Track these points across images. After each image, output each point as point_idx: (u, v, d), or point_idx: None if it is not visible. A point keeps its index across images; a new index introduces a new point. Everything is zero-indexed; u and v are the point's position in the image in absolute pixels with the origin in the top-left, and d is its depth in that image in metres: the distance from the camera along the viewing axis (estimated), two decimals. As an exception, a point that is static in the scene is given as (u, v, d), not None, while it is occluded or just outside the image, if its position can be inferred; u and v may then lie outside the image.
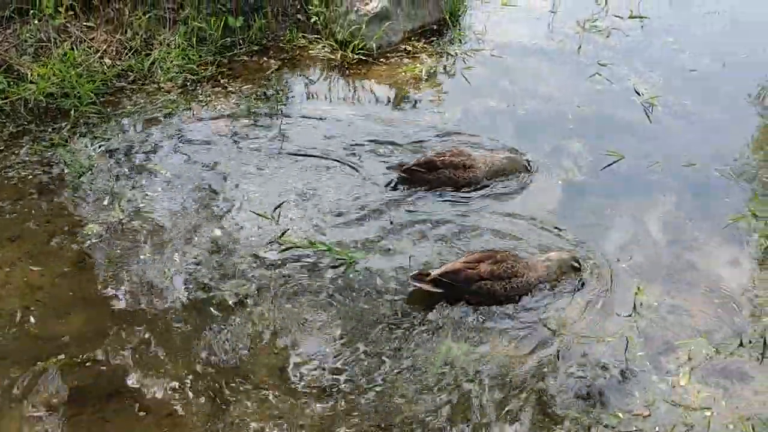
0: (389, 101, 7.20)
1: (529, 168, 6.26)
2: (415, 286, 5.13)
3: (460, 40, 8.11)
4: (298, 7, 8.24)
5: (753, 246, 5.62)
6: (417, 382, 4.57)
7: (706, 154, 6.54)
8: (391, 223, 5.74)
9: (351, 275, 5.29)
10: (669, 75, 7.65)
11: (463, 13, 8.55)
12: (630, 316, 5.05)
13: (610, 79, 7.52)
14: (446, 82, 7.51)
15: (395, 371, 4.64)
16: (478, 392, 4.52)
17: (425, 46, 8.05)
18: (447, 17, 8.27)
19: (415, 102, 7.19)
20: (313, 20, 8.03)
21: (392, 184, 6.15)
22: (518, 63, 7.82)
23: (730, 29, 8.51)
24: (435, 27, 8.33)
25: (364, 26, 7.71)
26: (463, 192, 6.08)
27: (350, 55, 7.68)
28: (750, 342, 4.85)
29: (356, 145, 6.55)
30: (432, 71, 7.60)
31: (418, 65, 7.67)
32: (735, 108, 7.20)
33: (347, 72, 7.60)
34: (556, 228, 5.73)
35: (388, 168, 6.21)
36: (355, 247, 5.51)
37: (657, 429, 4.39)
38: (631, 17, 8.65)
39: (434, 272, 5.09)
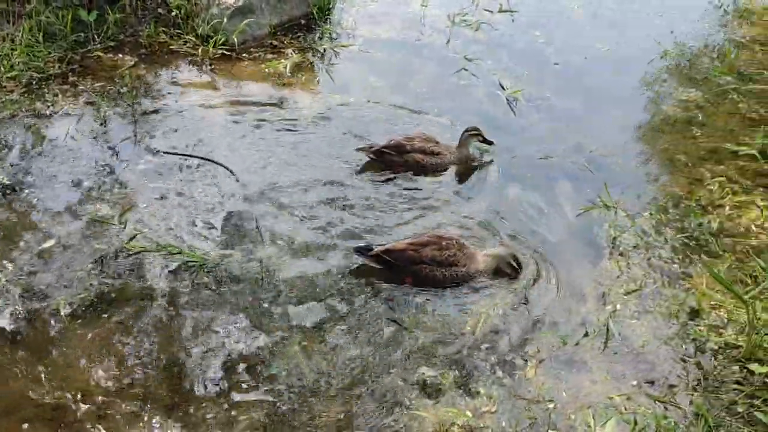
0: (251, 97, 6.98)
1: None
2: (357, 258, 5.18)
3: (329, 35, 7.96)
4: (159, 0, 7.87)
5: (602, 236, 5.74)
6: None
7: (565, 146, 6.66)
8: (257, 228, 5.55)
9: (204, 278, 5.08)
10: (534, 68, 7.77)
11: (333, 6, 8.41)
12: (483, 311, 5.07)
13: (476, 74, 7.56)
14: (310, 78, 7.35)
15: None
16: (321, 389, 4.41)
17: (292, 41, 7.86)
18: (314, 12, 8.10)
19: (280, 100, 6.99)
20: (173, 14, 7.70)
21: (360, 168, 6.17)
22: (386, 58, 7.75)
23: (595, 24, 8.73)
24: (303, 21, 8.15)
25: (226, 20, 7.44)
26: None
27: (212, 50, 7.41)
28: (594, 332, 4.95)
29: (216, 143, 6.34)
30: (296, 67, 7.42)
31: (282, 61, 7.48)
32: (593, 100, 7.38)
33: (209, 68, 7.33)
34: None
35: (357, 149, 6.18)
36: (209, 250, 5.29)
37: (503, 424, 4.40)
38: (500, 11, 8.76)
39: (377, 248, 5.15)
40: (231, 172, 6.06)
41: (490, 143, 6.42)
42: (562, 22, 8.69)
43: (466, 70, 7.61)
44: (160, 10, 7.81)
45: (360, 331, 4.83)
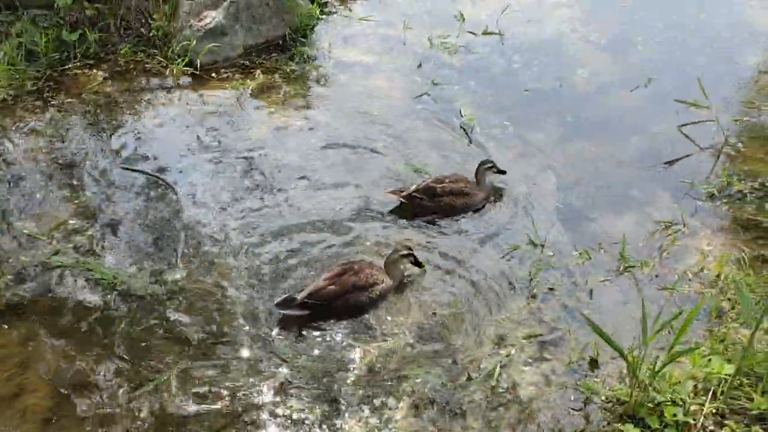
0: (207, 115, 7.16)
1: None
2: (282, 313, 5.15)
3: (301, 57, 8.03)
4: (143, 20, 8.17)
5: (521, 276, 5.58)
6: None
7: (508, 178, 6.50)
8: (176, 251, 5.72)
9: (113, 297, 5.29)
10: (501, 95, 7.60)
11: (311, 28, 8.46)
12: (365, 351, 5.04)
13: (437, 99, 7.47)
14: (270, 99, 7.43)
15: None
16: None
17: (263, 62, 7.99)
18: (287, 33, 8.19)
19: (230, 121, 7.12)
20: (151, 34, 7.99)
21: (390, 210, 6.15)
22: (353, 81, 7.75)
23: (584, 49, 8.41)
24: (280, 42, 8.26)
25: (196, 42, 7.66)
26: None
27: (179, 69, 7.62)
28: (479, 377, 4.81)
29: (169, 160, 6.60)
30: (259, 88, 7.55)
31: (248, 81, 7.62)
32: (551, 129, 7.15)
33: (174, 87, 7.54)
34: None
35: (387, 192, 6.13)
36: (124, 269, 5.50)
37: (364, 466, 4.37)
38: (485, 33, 8.58)
39: (300, 295, 5.10)
40: (174, 192, 6.26)
41: (503, 173, 6.33)
42: (550, 46, 8.43)
43: (428, 95, 7.52)
44: (142, 30, 8.10)
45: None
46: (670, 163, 6.77)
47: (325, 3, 8.93)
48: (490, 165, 6.25)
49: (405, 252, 5.41)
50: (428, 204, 6.04)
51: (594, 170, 6.67)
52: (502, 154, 6.79)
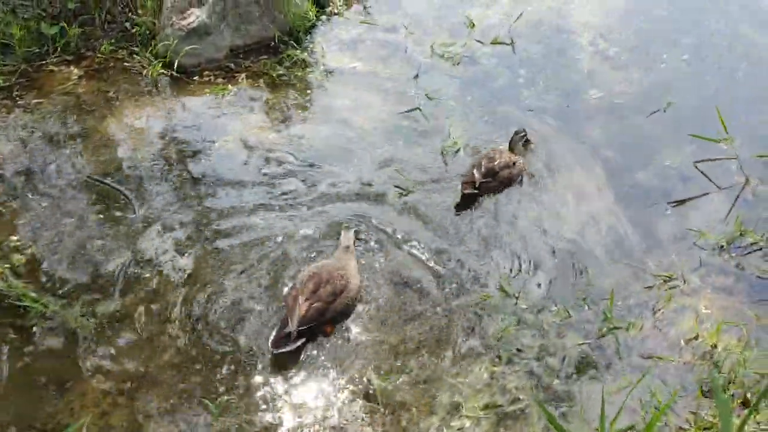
0: (176, 129, 6.68)
1: None
2: (280, 353, 4.72)
3: (292, 62, 7.48)
4: (129, 14, 7.72)
5: (487, 332, 4.99)
6: None
7: (477, 214, 5.90)
8: (121, 276, 5.32)
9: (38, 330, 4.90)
10: (498, 114, 6.94)
11: (306, 29, 7.88)
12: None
13: (428, 116, 6.85)
14: (249, 109, 6.91)
15: None
16: None
17: (250, 65, 7.47)
18: (276, 35, 7.64)
19: (200, 133, 6.61)
20: (135, 31, 7.54)
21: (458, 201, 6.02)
22: (342, 92, 7.16)
23: (602, 65, 7.63)
24: (271, 44, 7.72)
25: (178, 41, 7.17)
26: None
27: (158, 70, 7.15)
28: (421, 453, 4.29)
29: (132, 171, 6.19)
30: (240, 95, 7.03)
31: (229, 87, 7.12)
32: (548, 156, 6.48)
33: (153, 88, 7.09)
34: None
35: (464, 189, 5.96)
36: (54, 298, 5.11)
37: None
38: (493, 43, 7.88)
39: (290, 328, 4.74)
40: (134, 210, 5.83)
41: (531, 143, 6.53)
42: (562, 60, 7.68)
43: (420, 110, 6.91)
44: (127, 25, 7.66)
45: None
46: (679, 203, 6.07)
47: (326, 3, 8.35)
48: (523, 134, 6.42)
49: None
50: (493, 184, 6.07)
51: (588, 208, 6.01)
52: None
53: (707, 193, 6.18)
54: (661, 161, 6.47)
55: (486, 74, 7.46)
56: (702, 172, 6.36)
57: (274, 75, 7.29)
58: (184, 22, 7.22)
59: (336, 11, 8.32)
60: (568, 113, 7.00)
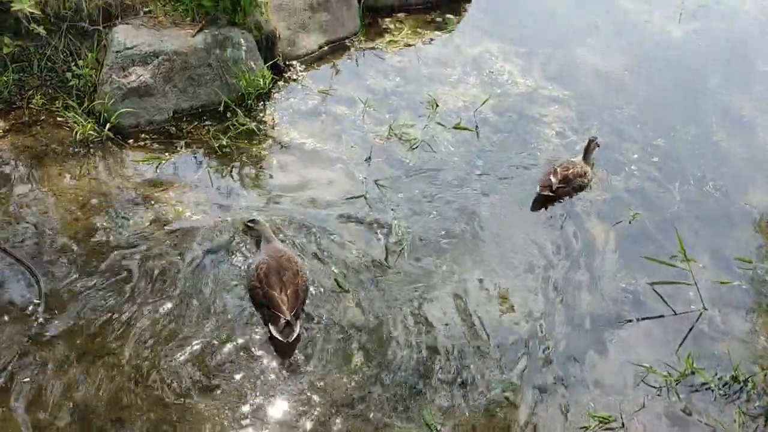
0: (92, 207, 6.08)
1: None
2: (294, 339, 5.03)
3: (241, 132, 7.01)
4: (72, 64, 7.23)
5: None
6: None
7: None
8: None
9: None
10: (445, 210, 6.45)
11: (259, 96, 7.43)
12: None
13: (373, 206, 6.39)
14: (178, 185, 6.35)
15: None
16: None
17: (192, 131, 6.99)
18: (223, 101, 7.20)
19: (118, 212, 6.05)
20: (73, 84, 7.05)
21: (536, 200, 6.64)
22: (287, 169, 6.67)
23: (562, 160, 7.20)
24: (221, 108, 7.26)
25: (115, 100, 6.72)
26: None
27: (84, 130, 6.62)
28: None
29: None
30: (173, 167, 6.52)
31: (165, 155, 6.62)
32: (492, 271, 5.97)
33: (76, 152, 6.56)
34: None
35: (540, 191, 6.60)
36: None
37: None
38: (456, 127, 7.48)
39: (287, 317, 5.05)
40: (40, 295, 5.29)
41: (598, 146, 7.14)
42: (524, 153, 7.22)
43: (365, 198, 6.45)
44: (68, 75, 7.16)
45: None
46: (625, 324, 5.61)
47: (285, 68, 7.94)
48: (598, 142, 7.07)
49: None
50: (568, 189, 6.71)
51: (523, 331, 5.51)
52: (434, 294, 5.69)
53: (662, 315, 5.75)
54: (618, 282, 5.98)
55: (440, 162, 7.01)
56: (660, 295, 5.91)
57: (216, 146, 6.80)
58: (125, 80, 6.76)
59: (295, 77, 7.92)
60: (516, 222, 6.47)
